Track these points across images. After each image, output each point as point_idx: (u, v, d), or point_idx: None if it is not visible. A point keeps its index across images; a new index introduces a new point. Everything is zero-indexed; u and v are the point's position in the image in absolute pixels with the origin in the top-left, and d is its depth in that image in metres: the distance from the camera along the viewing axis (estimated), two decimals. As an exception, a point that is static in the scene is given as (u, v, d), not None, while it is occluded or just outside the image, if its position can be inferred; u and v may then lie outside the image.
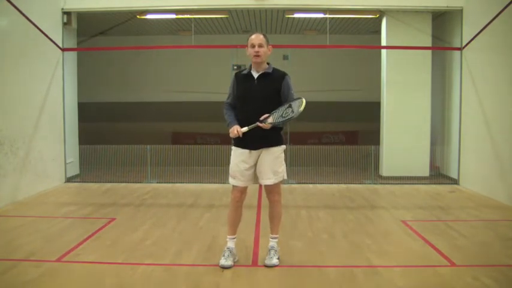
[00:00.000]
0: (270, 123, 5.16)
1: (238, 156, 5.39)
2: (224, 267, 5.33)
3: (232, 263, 5.42)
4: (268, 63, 5.45)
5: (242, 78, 5.44)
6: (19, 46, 9.35)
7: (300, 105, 5.18)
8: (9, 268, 5.32)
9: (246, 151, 5.35)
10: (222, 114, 5.49)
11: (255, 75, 5.39)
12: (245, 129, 5.18)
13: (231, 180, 5.45)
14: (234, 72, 5.56)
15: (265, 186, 5.48)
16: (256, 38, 5.33)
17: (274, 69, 5.47)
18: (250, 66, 5.46)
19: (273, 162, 5.37)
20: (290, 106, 5.19)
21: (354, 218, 7.90)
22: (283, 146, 5.48)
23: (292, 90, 5.40)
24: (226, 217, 5.64)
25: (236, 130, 5.20)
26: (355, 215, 8.18)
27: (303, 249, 6.12)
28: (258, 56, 5.29)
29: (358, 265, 5.47)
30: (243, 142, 5.32)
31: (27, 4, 9.18)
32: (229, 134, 5.33)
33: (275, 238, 5.59)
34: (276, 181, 5.42)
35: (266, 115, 5.16)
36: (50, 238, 6.66)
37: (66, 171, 11.56)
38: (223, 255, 5.43)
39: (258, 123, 5.14)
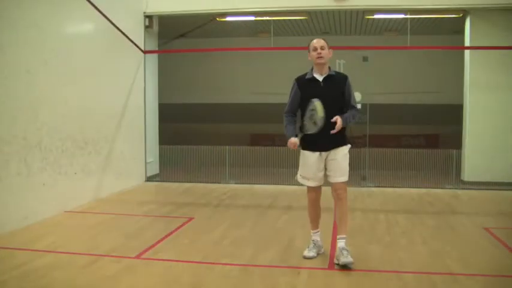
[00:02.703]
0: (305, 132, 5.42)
1: (309, 159, 5.59)
2: (306, 258, 5.60)
3: (315, 254, 5.70)
4: (329, 67, 5.60)
5: (306, 83, 5.60)
6: (103, 49, 9.65)
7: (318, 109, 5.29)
8: (91, 262, 5.48)
9: (316, 153, 5.54)
10: (284, 124, 5.69)
11: (320, 78, 5.54)
12: (296, 139, 5.43)
13: (305, 182, 5.72)
14: (295, 79, 5.73)
15: (335, 184, 5.58)
16: (318, 41, 5.53)
17: (336, 72, 5.67)
18: (312, 70, 5.60)
19: (342, 160, 5.54)
20: (311, 111, 5.35)
21: (433, 224, 7.68)
22: (349, 145, 5.64)
23: (352, 92, 5.63)
24: (304, 219, 5.89)
25: (291, 144, 5.43)
26: (435, 220, 7.96)
27: (381, 254, 5.99)
28: (321, 57, 5.45)
29: (437, 272, 5.29)
30: (312, 145, 5.51)
31: (111, 9, 9.45)
32: (305, 139, 5.49)
33: (344, 238, 5.55)
34: (347, 178, 5.59)
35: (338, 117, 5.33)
36: (130, 235, 6.83)
37: (146, 170, 11.83)
38: (308, 247, 5.74)
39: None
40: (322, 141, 5.42)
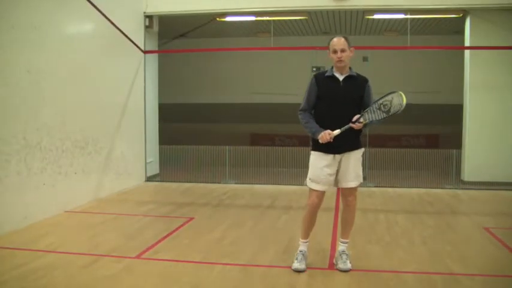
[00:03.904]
0: (365, 122, 5.09)
1: (322, 161, 5.26)
2: (298, 271, 5.28)
3: (306, 267, 5.36)
4: (350, 67, 5.36)
5: (325, 80, 5.32)
6: (103, 49, 9.65)
7: (400, 98, 5.03)
8: (91, 262, 5.49)
9: (330, 156, 5.23)
10: (299, 121, 5.40)
11: (340, 77, 5.30)
12: (337, 131, 5.03)
13: (313, 185, 5.32)
14: (312, 74, 5.48)
15: (346, 189, 5.37)
16: (338, 42, 5.22)
17: (357, 74, 5.39)
18: (332, 68, 5.36)
19: (355, 164, 5.32)
20: (384, 101, 5.10)
21: (433, 224, 7.68)
22: (363, 149, 5.43)
23: (372, 96, 5.33)
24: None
25: (328, 134, 5.05)
26: (435, 220, 7.96)
27: (381, 254, 6.00)
28: (341, 61, 5.20)
29: (437, 272, 5.29)
30: (326, 147, 5.16)
31: (111, 9, 9.45)
32: (317, 140, 5.15)
33: (346, 242, 5.49)
34: (358, 183, 5.37)
35: (357, 116, 5.09)
36: (130, 235, 6.84)
37: (146, 170, 11.84)
38: (297, 259, 5.39)
39: (351, 125, 5.05)
40: (337, 142, 5.08)
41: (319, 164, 5.28)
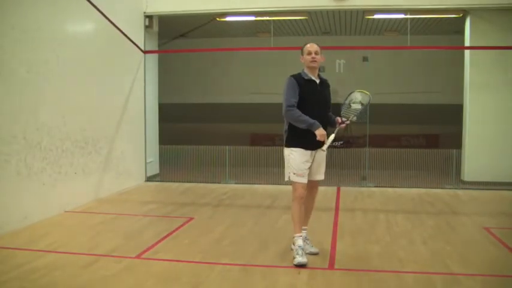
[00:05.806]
0: (348, 121, 5.79)
1: (303, 157, 5.64)
2: (301, 265, 5.37)
3: (307, 260, 5.48)
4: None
5: (304, 83, 5.68)
6: (103, 49, 9.64)
7: (363, 94, 5.96)
8: (91, 262, 5.49)
9: (309, 152, 5.66)
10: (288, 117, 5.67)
11: (317, 80, 5.76)
12: (332, 136, 5.56)
13: (299, 179, 5.65)
14: (290, 76, 5.79)
15: (314, 182, 5.85)
16: (312, 46, 5.73)
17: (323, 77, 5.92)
18: (304, 71, 5.77)
19: (324, 159, 5.84)
20: (350, 99, 5.96)
21: (433, 224, 7.67)
22: None
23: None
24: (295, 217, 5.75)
25: (324, 135, 5.53)
26: (435, 220, 7.95)
27: (381, 254, 5.99)
28: (315, 61, 5.68)
29: (437, 272, 5.29)
30: (307, 144, 5.60)
31: (111, 9, 9.46)
32: (297, 137, 5.65)
33: (306, 228, 5.96)
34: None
35: (339, 118, 5.77)
36: (130, 235, 6.83)
37: (146, 170, 11.83)
38: (298, 254, 5.49)
39: (341, 126, 5.72)
40: (314, 140, 5.51)
41: (301, 159, 5.66)
